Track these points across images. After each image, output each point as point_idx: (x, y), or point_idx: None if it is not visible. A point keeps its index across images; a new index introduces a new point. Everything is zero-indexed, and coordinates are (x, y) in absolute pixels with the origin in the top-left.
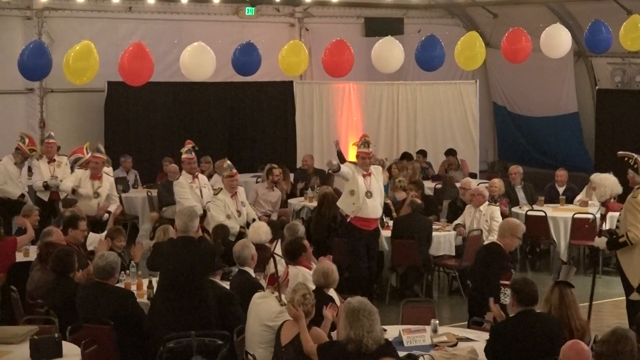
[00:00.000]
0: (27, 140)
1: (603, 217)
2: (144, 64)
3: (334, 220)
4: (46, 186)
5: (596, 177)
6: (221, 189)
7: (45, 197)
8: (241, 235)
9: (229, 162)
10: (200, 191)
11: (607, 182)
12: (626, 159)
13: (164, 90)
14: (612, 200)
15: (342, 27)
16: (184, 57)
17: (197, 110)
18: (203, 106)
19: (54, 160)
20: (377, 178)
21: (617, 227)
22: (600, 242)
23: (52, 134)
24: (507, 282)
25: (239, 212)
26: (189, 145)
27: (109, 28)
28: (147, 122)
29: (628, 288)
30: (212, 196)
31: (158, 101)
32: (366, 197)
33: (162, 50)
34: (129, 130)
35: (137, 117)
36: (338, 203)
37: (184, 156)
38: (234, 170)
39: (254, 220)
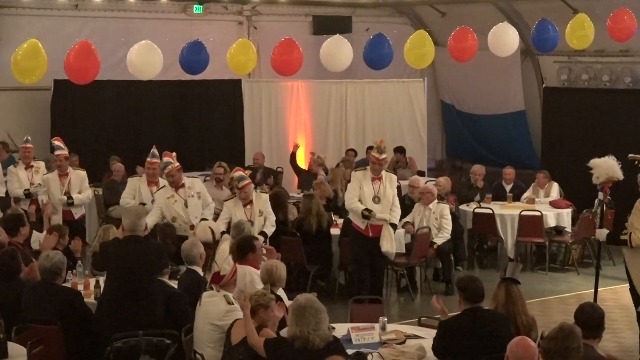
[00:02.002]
0: None
1: (601, 203)
2: (90, 62)
3: (283, 222)
4: (28, 194)
5: (594, 160)
6: (235, 195)
7: (24, 205)
8: None
9: (240, 172)
10: (186, 202)
11: (605, 164)
12: (636, 162)
13: (111, 89)
14: (609, 185)
15: (290, 25)
16: (131, 55)
17: (144, 108)
18: (151, 105)
19: (32, 166)
20: (389, 185)
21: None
22: (601, 234)
23: (29, 138)
24: None
25: (252, 222)
26: (167, 158)
27: (55, 26)
28: (94, 121)
29: (637, 299)
30: (222, 201)
31: (105, 99)
32: (373, 202)
33: (109, 48)
34: (76, 128)
35: (84, 116)
36: (350, 216)
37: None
38: (243, 183)
39: (262, 232)
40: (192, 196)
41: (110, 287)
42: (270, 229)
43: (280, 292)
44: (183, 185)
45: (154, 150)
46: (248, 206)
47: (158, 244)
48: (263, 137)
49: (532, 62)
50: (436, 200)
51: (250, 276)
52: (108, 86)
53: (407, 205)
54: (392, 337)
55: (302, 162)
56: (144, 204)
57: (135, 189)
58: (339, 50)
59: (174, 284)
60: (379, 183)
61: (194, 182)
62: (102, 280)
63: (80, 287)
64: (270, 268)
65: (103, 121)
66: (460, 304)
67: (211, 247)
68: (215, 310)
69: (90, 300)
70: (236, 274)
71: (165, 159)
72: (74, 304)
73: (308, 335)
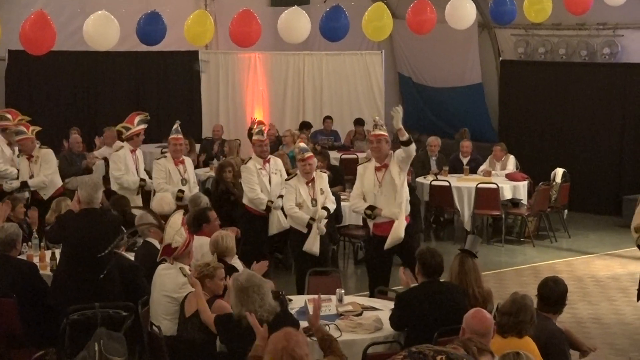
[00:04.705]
0: (10, 117)
1: None
2: (45, 32)
3: (226, 192)
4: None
5: None
6: (296, 173)
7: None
8: (309, 226)
9: (302, 144)
10: (270, 178)
11: None
12: None
13: (68, 60)
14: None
15: None
16: (87, 25)
17: (101, 79)
18: (107, 76)
19: (32, 157)
20: (395, 169)
21: None
22: None
23: (23, 129)
24: None
25: (315, 201)
26: (260, 125)
27: None
28: (50, 92)
29: None
30: (284, 181)
31: (61, 70)
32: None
33: (65, 18)
34: (31, 100)
35: (40, 87)
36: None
37: (254, 138)
38: (308, 154)
39: (325, 208)
40: (275, 173)
41: (67, 259)
42: (331, 205)
43: (236, 262)
44: (269, 161)
45: (177, 126)
46: (310, 184)
47: (115, 216)
48: (220, 109)
49: (489, 35)
50: None
51: (207, 247)
52: (64, 57)
53: None
54: (349, 309)
55: None
56: (182, 192)
57: (165, 170)
58: (296, 22)
59: (130, 256)
60: (383, 169)
61: (275, 160)
62: (58, 252)
63: (36, 260)
64: (216, 239)
65: (59, 92)
66: (418, 276)
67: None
68: (171, 283)
69: (46, 272)
70: (190, 246)
71: (260, 126)
72: (29, 276)
73: (255, 313)
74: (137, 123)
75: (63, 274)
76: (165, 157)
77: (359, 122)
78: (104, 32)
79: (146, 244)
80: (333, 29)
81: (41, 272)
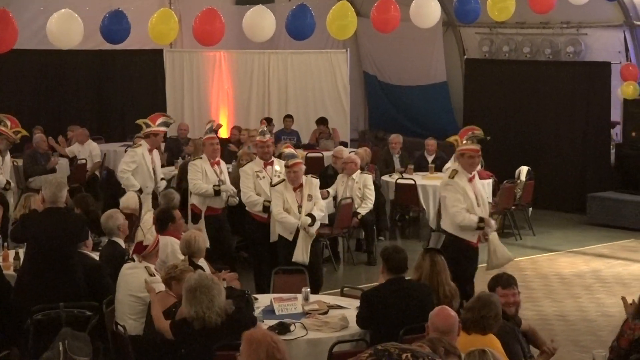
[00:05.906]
0: (9, 123)
1: None
2: (7, 31)
3: (187, 190)
4: None
5: None
6: (284, 179)
7: None
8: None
9: (288, 150)
10: (271, 181)
11: None
12: None
13: (31, 58)
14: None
15: None
16: (50, 24)
17: (65, 78)
18: (71, 74)
19: None
20: (479, 181)
21: None
22: None
23: None
24: None
25: (302, 208)
26: (263, 126)
27: None
28: (13, 91)
29: None
30: (270, 186)
31: (25, 69)
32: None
33: (28, 16)
34: None
35: (2, 86)
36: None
37: (257, 138)
38: (293, 161)
39: (310, 214)
40: (277, 176)
41: (31, 259)
42: (318, 213)
43: (202, 262)
44: (271, 164)
45: (211, 125)
46: (298, 190)
47: (79, 215)
48: (185, 108)
49: (454, 33)
50: (359, 171)
51: (172, 247)
52: (27, 55)
53: (330, 175)
54: (315, 308)
55: (224, 132)
56: (218, 186)
57: (201, 171)
58: (261, 20)
59: (95, 255)
60: (473, 182)
61: (279, 163)
62: (21, 252)
63: None
64: (189, 239)
65: (22, 91)
66: (382, 274)
67: (133, 217)
68: (136, 282)
69: (9, 272)
70: (158, 246)
71: (262, 127)
72: None
73: (204, 315)
74: (158, 123)
75: (27, 273)
76: (201, 157)
77: (322, 122)
78: (67, 30)
79: (111, 243)
80: (299, 27)
81: (5, 271)
